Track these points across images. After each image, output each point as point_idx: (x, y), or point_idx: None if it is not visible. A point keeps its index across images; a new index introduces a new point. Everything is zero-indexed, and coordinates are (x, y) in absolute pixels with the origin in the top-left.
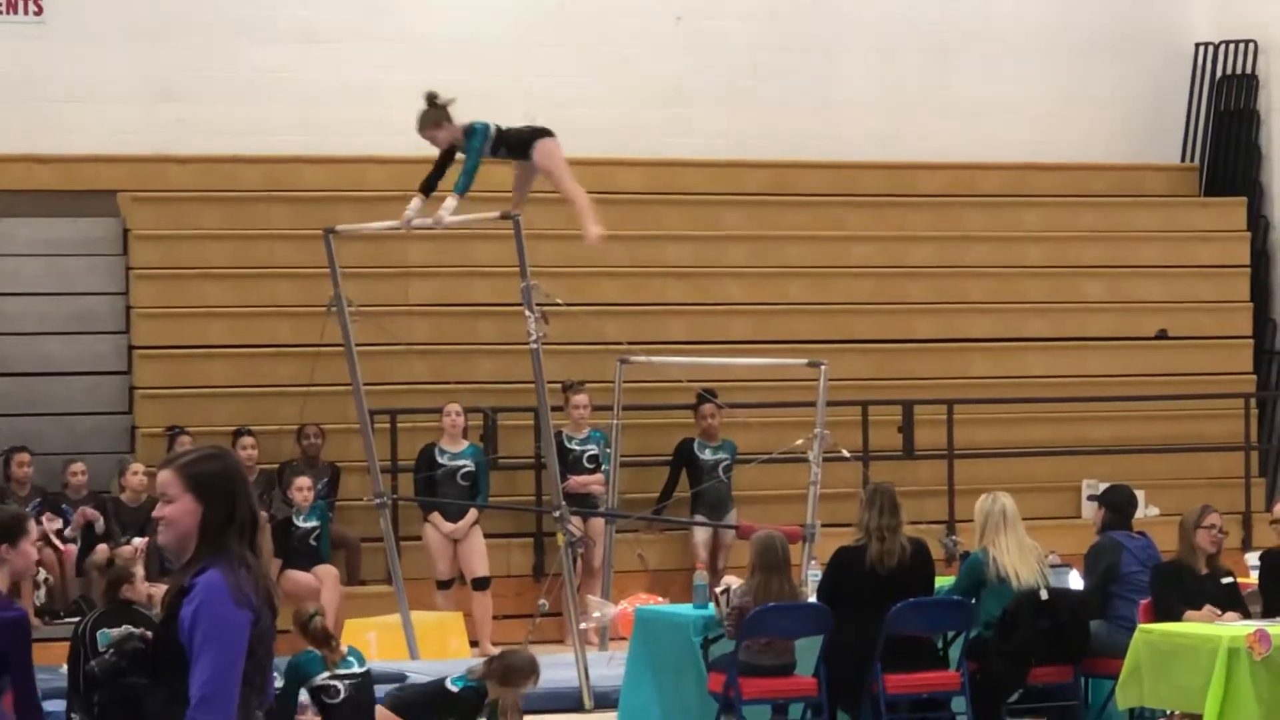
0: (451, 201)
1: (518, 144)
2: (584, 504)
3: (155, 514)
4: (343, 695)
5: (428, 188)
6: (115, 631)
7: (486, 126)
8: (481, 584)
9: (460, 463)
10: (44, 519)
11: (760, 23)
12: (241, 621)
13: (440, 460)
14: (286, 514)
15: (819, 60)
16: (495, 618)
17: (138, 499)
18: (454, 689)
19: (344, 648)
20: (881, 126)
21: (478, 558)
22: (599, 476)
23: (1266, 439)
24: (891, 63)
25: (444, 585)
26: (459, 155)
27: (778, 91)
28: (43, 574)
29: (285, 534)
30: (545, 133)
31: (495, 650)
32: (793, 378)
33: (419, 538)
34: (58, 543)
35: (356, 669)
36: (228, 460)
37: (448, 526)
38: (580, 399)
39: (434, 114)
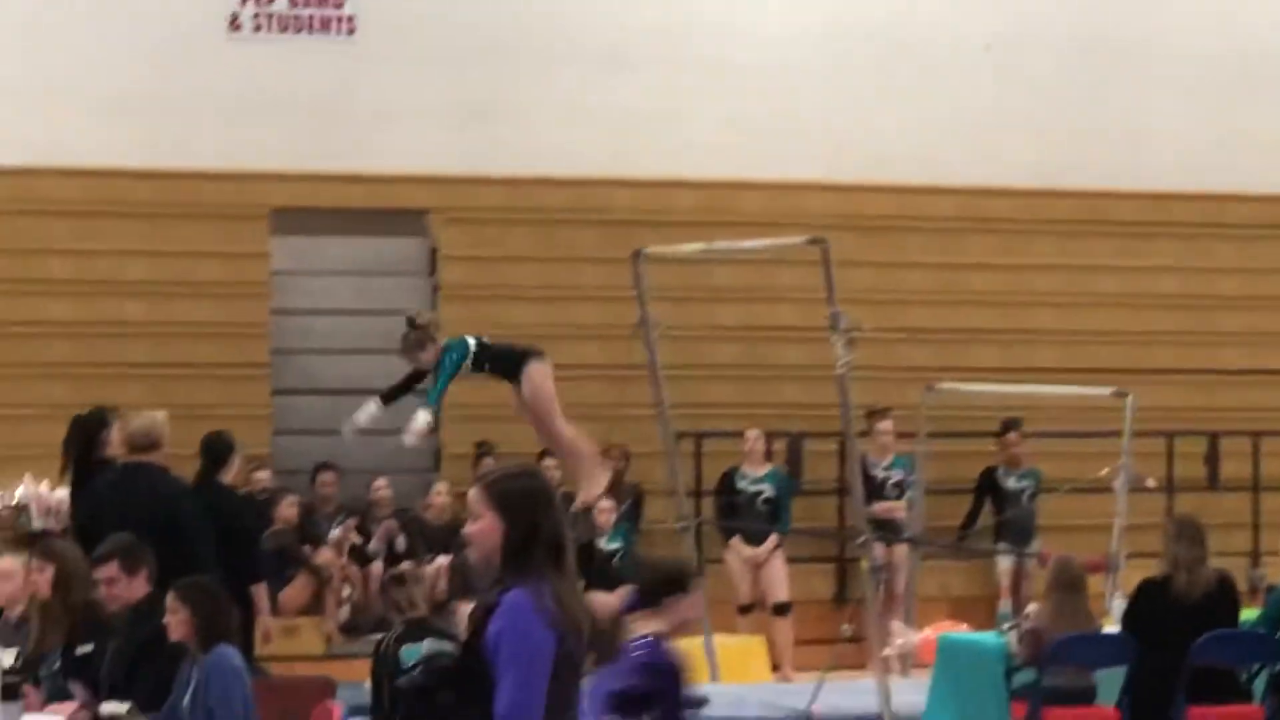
0: (423, 416)
1: (503, 364)
2: (888, 530)
3: (465, 531)
4: None
5: (387, 398)
6: (425, 646)
7: (465, 343)
8: (782, 609)
9: (761, 487)
10: (345, 531)
11: (1069, 53)
12: (546, 640)
13: (740, 485)
14: (590, 536)
15: (1129, 90)
16: (797, 642)
17: (441, 517)
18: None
19: None
20: (1192, 156)
21: (778, 583)
22: (903, 503)
23: None
24: (1203, 93)
25: (745, 610)
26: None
27: (1087, 120)
28: (347, 590)
29: (587, 556)
30: (534, 353)
31: (795, 675)
32: (1099, 406)
33: (721, 561)
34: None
35: None
36: (536, 479)
37: (748, 551)
38: (885, 425)
39: (416, 336)
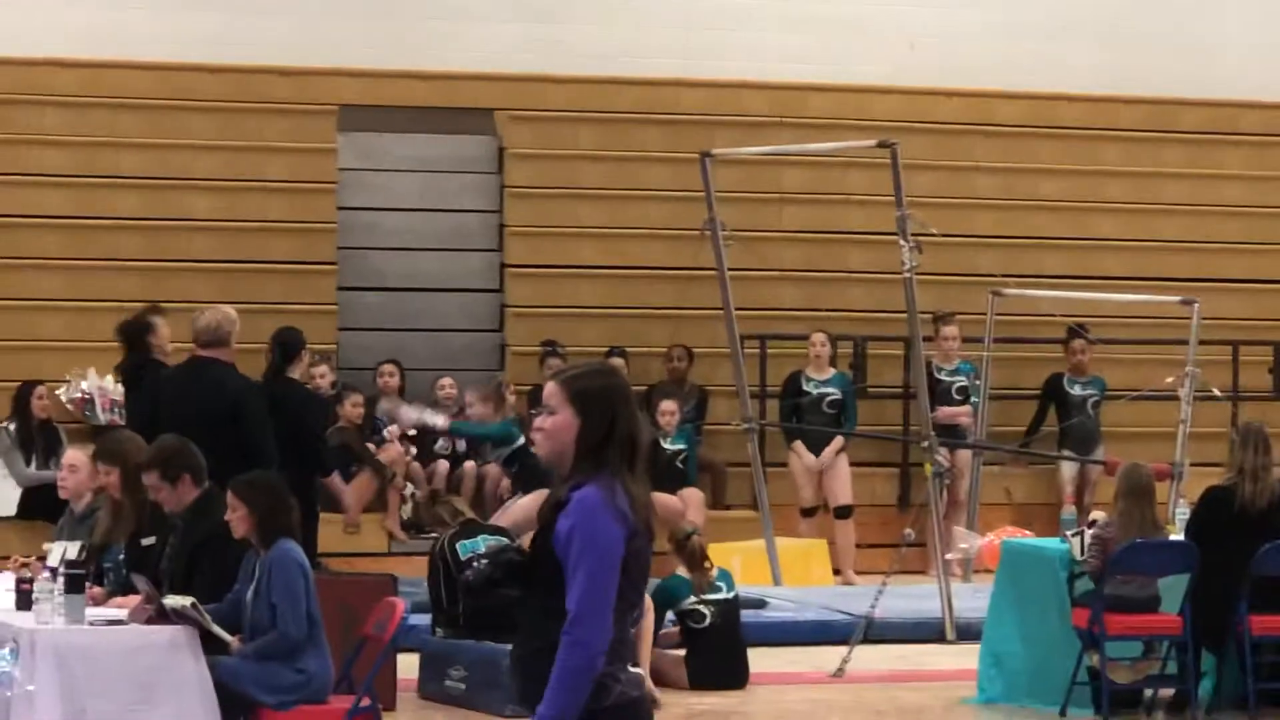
0: (430, 417)
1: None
2: (952, 435)
3: (535, 425)
4: (709, 621)
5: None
6: (489, 542)
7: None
8: (844, 512)
9: (826, 390)
10: (392, 436)
11: None
12: (617, 537)
13: (806, 388)
14: (653, 436)
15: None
16: (859, 546)
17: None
18: None
19: (714, 570)
20: (1261, 66)
21: (841, 486)
22: (967, 408)
23: None
24: (1274, 3)
25: (808, 513)
26: None
27: (1157, 27)
28: (410, 488)
29: (652, 456)
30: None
31: (856, 578)
32: (1165, 315)
33: (784, 464)
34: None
35: (724, 594)
36: (613, 378)
37: (810, 458)
38: (950, 330)
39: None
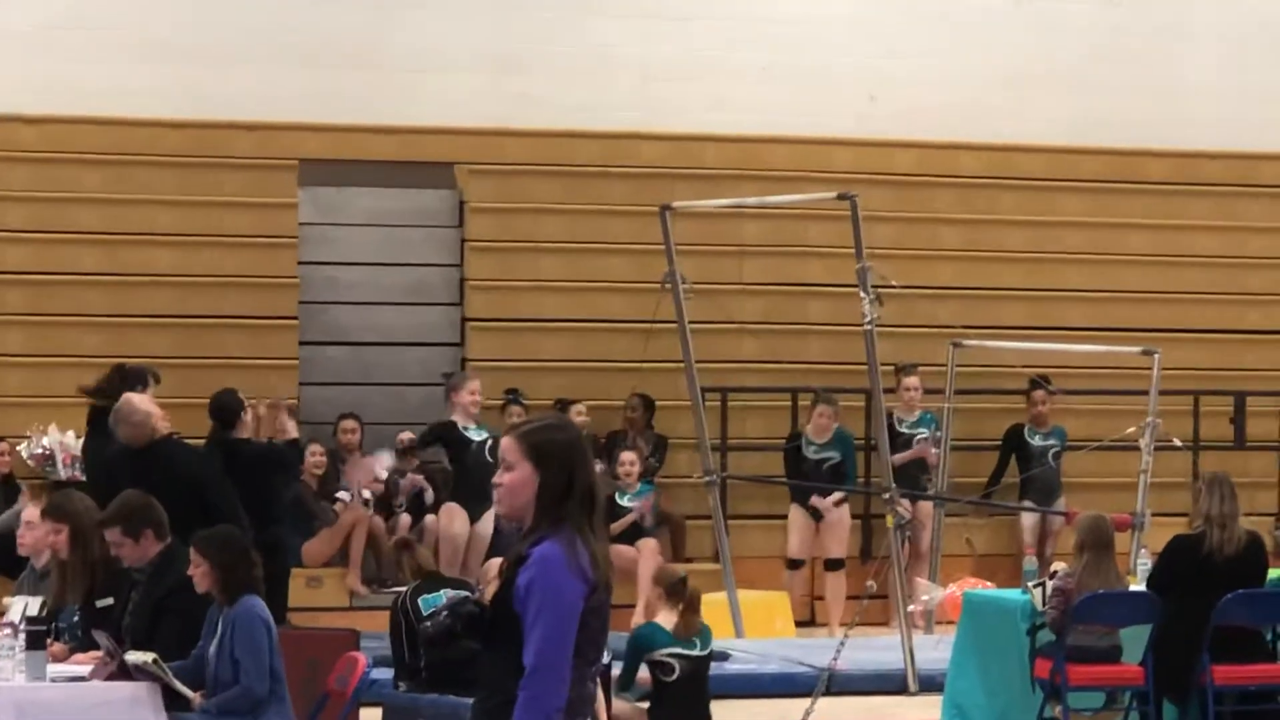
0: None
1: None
2: (917, 473)
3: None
4: (677, 674)
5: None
6: (448, 594)
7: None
8: (836, 565)
9: (826, 455)
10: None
11: (1102, 6)
12: (576, 593)
13: (805, 452)
14: (611, 490)
15: (1163, 46)
16: (816, 598)
17: None
18: None
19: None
20: (1226, 114)
21: (837, 539)
22: (926, 446)
23: None
24: (1238, 50)
25: (794, 565)
26: None
27: (1119, 77)
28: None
29: (609, 511)
30: None
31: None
32: (1125, 365)
33: (745, 516)
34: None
35: (699, 651)
36: (570, 431)
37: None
38: (912, 380)
39: None
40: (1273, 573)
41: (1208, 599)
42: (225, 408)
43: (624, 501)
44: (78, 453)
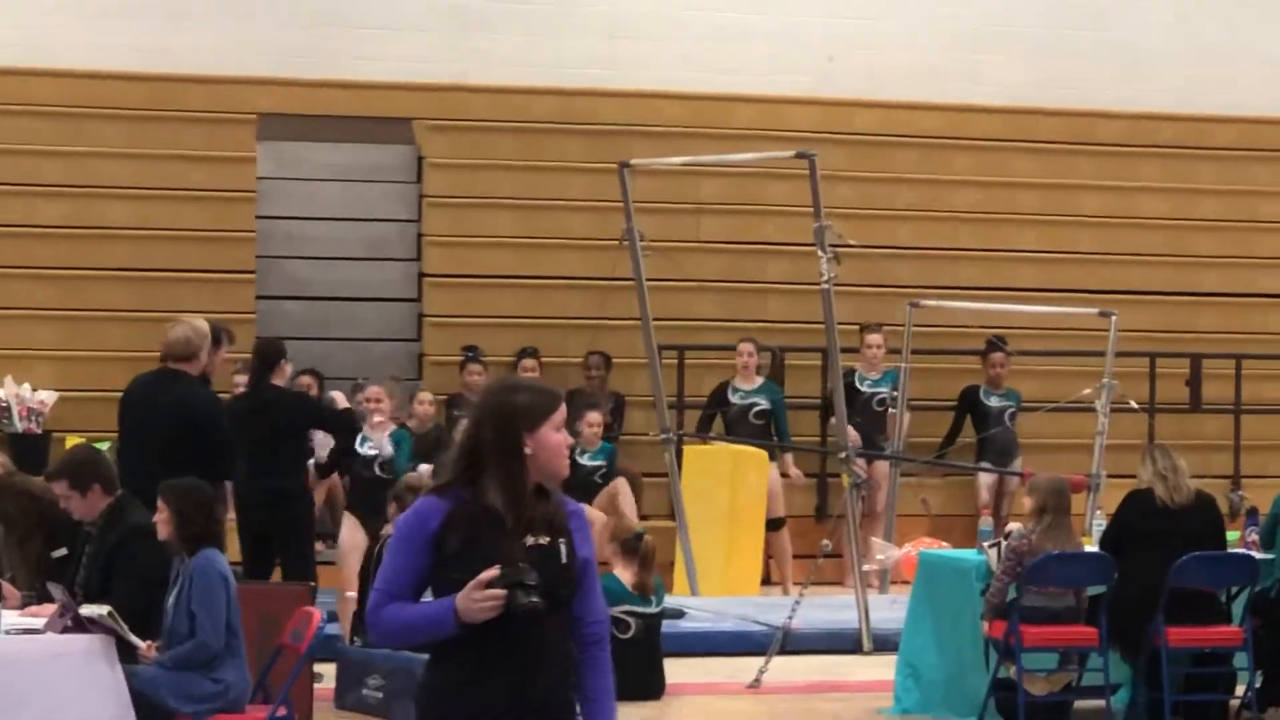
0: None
1: None
2: (870, 437)
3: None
4: (632, 632)
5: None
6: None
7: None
8: (776, 524)
9: (753, 400)
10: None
11: None
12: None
13: (732, 398)
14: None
15: (1119, 8)
16: (771, 558)
17: (424, 426)
18: None
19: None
20: (1180, 77)
21: (773, 498)
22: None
23: None
24: (1193, 13)
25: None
26: None
27: (1076, 39)
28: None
29: (573, 471)
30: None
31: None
32: (1081, 327)
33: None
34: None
35: (653, 608)
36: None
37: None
38: (876, 338)
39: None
40: (1231, 534)
41: (1163, 555)
42: (267, 354)
43: (584, 460)
44: (35, 405)
